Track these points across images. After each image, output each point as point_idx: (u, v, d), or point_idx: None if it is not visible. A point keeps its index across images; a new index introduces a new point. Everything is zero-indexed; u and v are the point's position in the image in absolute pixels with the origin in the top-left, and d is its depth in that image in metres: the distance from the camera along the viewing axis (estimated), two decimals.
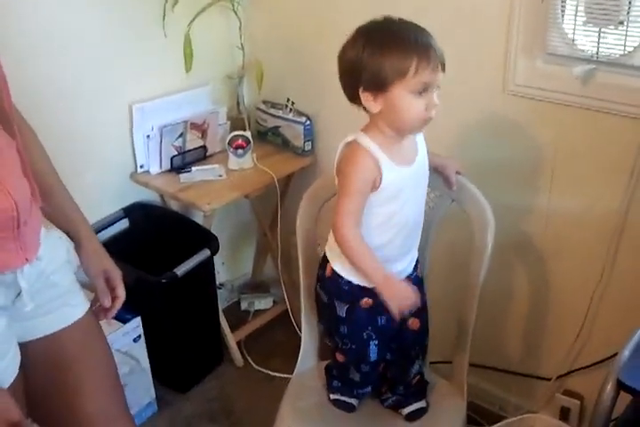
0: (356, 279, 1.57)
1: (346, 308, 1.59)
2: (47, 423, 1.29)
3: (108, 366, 1.42)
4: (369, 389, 1.74)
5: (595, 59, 1.63)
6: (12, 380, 1.18)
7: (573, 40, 1.65)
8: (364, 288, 1.57)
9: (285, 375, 2.18)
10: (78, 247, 1.37)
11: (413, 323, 1.67)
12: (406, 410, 1.71)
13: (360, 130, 1.48)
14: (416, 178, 1.52)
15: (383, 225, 1.51)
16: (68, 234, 1.37)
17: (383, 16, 1.40)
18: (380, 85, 1.37)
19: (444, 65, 1.38)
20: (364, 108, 1.44)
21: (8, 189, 1.12)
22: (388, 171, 1.44)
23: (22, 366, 1.22)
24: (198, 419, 2.26)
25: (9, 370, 1.17)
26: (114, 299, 1.41)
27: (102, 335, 1.43)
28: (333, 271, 1.59)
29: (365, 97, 1.40)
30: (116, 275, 1.41)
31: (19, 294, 1.21)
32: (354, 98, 1.43)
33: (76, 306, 1.35)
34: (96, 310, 1.41)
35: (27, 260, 1.20)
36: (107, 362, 1.42)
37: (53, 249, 1.29)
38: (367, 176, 1.44)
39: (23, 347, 1.23)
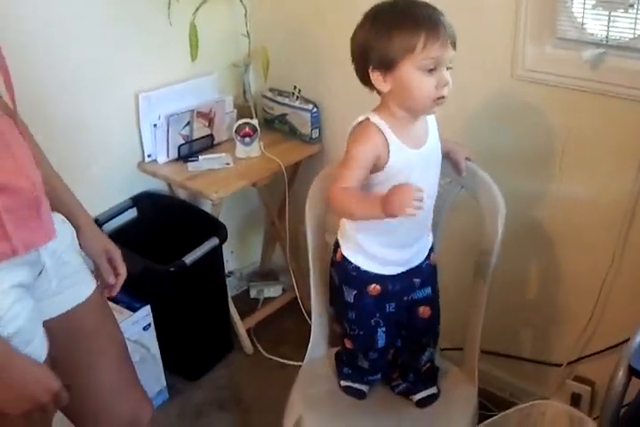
0: (364, 265, 1.57)
1: (354, 294, 1.60)
2: None
3: (117, 340, 1.49)
4: (379, 376, 1.75)
5: (604, 43, 1.62)
6: (43, 359, 1.20)
7: (583, 24, 1.64)
8: (372, 275, 1.57)
9: (295, 363, 2.19)
10: (79, 232, 1.41)
11: (424, 311, 1.67)
12: (417, 396, 1.71)
13: (371, 111, 1.47)
14: (426, 161, 1.50)
15: None
16: (65, 217, 1.42)
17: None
18: (388, 63, 1.35)
19: (454, 42, 1.36)
20: (377, 91, 1.43)
21: (26, 170, 1.18)
22: (396, 150, 1.43)
23: None
24: (209, 407, 2.28)
25: (39, 350, 1.20)
26: (117, 276, 1.48)
27: (111, 312, 1.50)
28: (343, 256, 1.59)
29: (375, 76, 1.39)
30: (117, 254, 1.48)
31: (40, 271, 1.25)
32: (365, 80, 1.42)
33: (86, 284, 1.40)
34: (101, 289, 1.47)
35: (49, 237, 1.24)
36: (116, 336, 1.48)
37: (61, 230, 1.32)
38: (371, 152, 1.42)
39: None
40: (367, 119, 1.44)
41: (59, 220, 1.34)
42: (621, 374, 1.23)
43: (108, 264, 1.46)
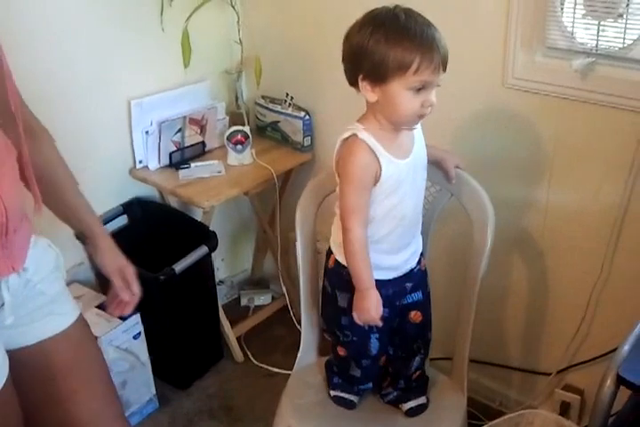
0: None
1: (347, 298, 1.59)
2: None
3: (99, 374, 1.41)
4: (370, 384, 1.74)
5: (594, 52, 1.62)
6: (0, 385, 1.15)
7: (572, 33, 1.64)
8: None
9: (285, 371, 2.18)
10: (94, 246, 1.38)
11: (415, 316, 1.67)
12: (406, 406, 1.70)
13: (356, 121, 1.47)
14: (414, 170, 1.51)
15: (383, 219, 1.51)
16: (82, 234, 1.40)
17: (395, 5, 1.38)
18: (379, 77, 1.37)
19: (446, 65, 1.38)
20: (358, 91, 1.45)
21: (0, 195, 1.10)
22: (387, 164, 1.44)
23: (13, 375, 1.19)
24: (199, 415, 2.26)
25: None
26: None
27: (93, 342, 1.43)
28: (336, 262, 1.60)
29: (364, 86, 1.40)
30: (131, 272, 1.44)
31: (2, 305, 1.18)
32: (353, 83, 1.43)
33: (64, 315, 1.33)
34: (115, 307, 1.44)
35: (13, 269, 1.17)
36: (98, 369, 1.41)
37: (41, 257, 1.27)
38: (369, 171, 1.44)
39: (11, 355, 1.20)
40: (355, 135, 1.44)
41: (43, 245, 1.29)
42: (609, 382, 1.23)
43: (122, 283, 1.42)
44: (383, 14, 1.37)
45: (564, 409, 2.02)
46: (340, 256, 1.59)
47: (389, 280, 1.59)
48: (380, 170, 1.44)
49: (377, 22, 1.36)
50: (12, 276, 1.18)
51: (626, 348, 1.26)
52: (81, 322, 1.37)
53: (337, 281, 1.62)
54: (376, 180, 1.45)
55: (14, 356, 1.21)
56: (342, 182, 1.47)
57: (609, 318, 1.83)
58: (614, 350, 1.28)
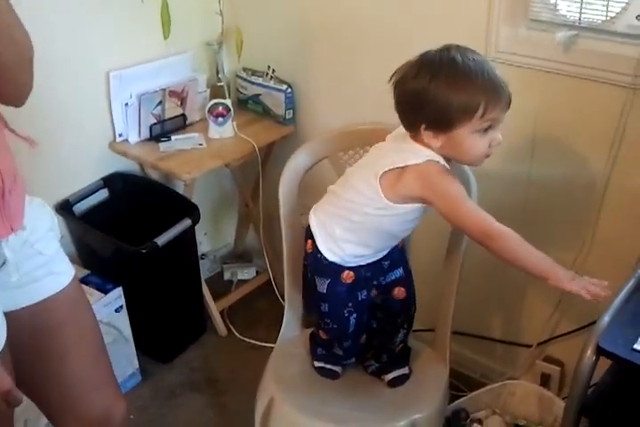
0: (336, 260, 1.55)
1: (327, 282, 1.57)
2: (32, 391, 1.30)
3: (93, 334, 1.43)
4: (353, 359, 1.75)
5: (577, 24, 1.61)
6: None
7: (556, 5, 1.63)
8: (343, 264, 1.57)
9: (269, 344, 2.19)
10: None
11: (399, 292, 1.67)
12: (389, 376, 1.72)
13: (415, 141, 1.41)
14: None
15: (397, 233, 1.52)
16: None
17: (446, 45, 1.35)
18: (444, 125, 1.33)
19: (509, 102, 1.35)
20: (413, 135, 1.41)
21: None
22: None
23: (8, 335, 1.20)
24: (181, 388, 2.27)
25: None
26: None
27: (87, 303, 1.44)
28: (314, 246, 1.56)
29: (427, 135, 1.36)
30: None
31: (3, 263, 1.20)
32: (411, 127, 1.40)
33: (62, 274, 1.34)
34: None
35: (12, 229, 1.18)
36: (92, 329, 1.43)
37: (37, 217, 1.27)
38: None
39: (8, 316, 1.22)
40: (437, 162, 1.38)
41: (37, 205, 1.29)
42: (590, 353, 1.24)
43: None
44: (438, 58, 1.33)
45: (545, 380, 2.05)
46: (321, 243, 1.54)
47: (367, 264, 1.58)
48: None
49: (434, 67, 1.32)
50: (11, 236, 1.19)
51: (606, 319, 1.27)
52: (76, 280, 1.38)
53: (315, 266, 1.58)
54: None
55: (13, 316, 1.22)
56: (450, 201, 1.37)
57: None
58: (594, 322, 1.29)
